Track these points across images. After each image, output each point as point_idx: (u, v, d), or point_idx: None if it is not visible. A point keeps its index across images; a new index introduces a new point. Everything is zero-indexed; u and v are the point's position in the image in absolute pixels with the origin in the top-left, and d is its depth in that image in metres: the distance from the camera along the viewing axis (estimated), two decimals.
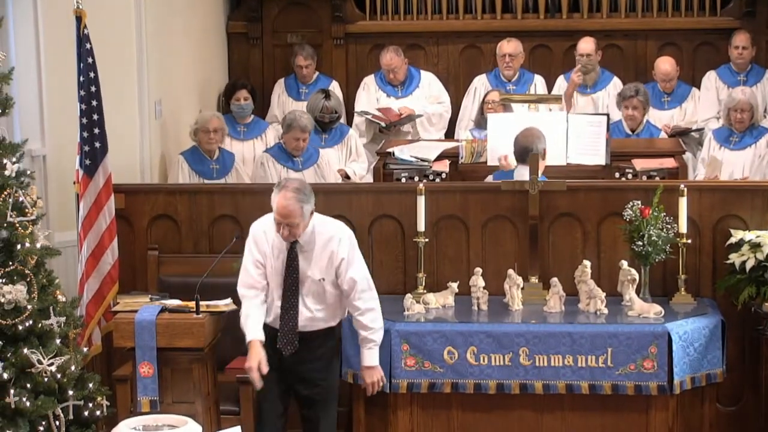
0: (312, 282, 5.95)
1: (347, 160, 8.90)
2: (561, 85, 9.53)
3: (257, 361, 5.87)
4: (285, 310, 5.95)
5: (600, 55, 9.54)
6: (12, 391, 5.56)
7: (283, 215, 5.84)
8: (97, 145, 6.89)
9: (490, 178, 7.50)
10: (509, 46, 9.46)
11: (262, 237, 6.03)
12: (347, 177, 8.73)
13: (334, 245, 5.95)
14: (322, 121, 8.84)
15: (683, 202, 6.76)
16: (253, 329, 5.94)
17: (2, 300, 5.59)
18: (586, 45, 9.47)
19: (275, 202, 5.89)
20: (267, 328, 6.01)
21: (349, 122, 9.60)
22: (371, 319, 6.03)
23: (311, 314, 5.99)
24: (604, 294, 6.67)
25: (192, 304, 6.13)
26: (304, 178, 7.86)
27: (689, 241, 6.81)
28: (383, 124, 9.31)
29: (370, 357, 6.09)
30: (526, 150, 7.08)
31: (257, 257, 6.01)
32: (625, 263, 6.70)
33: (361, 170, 8.84)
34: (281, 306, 5.97)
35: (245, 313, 6.01)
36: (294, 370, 6.03)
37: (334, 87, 9.74)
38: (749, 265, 6.68)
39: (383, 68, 9.59)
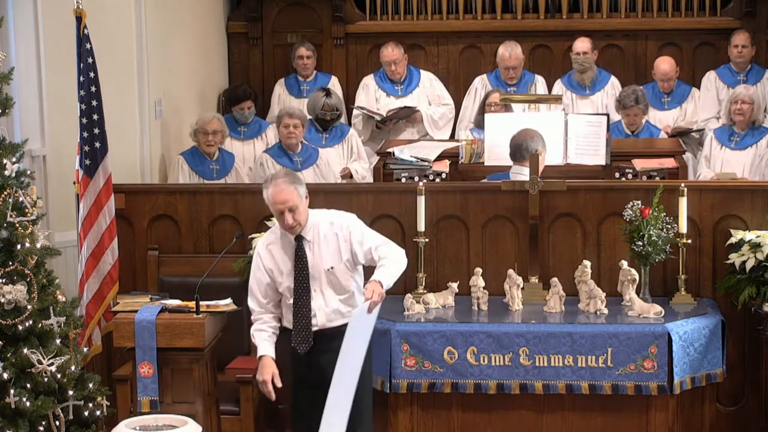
0: (325, 273, 5.85)
1: (348, 159, 8.90)
2: (559, 89, 9.56)
3: (270, 374, 5.80)
4: (297, 308, 5.86)
5: (596, 54, 9.55)
6: (12, 391, 5.56)
7: (281, 201, 5.76)
8: (97, 145, 6.89)
9: (485, 182, 7.49)
10: (512, 60, 9.40)
11: (267, 254, 5.94)
12: (350, 176, 8.73)
13: (337, 229, 5.86)
14: (323, 119, 8.85)
15: (683, 202, 6.76)
16: (263, 345, 5.90)
17: (2, 300, 5.59)
18: (583, 44, 9.49)
19: (269, 194, 5.80)
20: (288, 333, 5.93)
21: (349, 122, 9.61)
22: (388, 251, 5.80)
23: (333, 306, 5.88)
24: (604, 294, 6.67)
25: (192, 304, 6.12)
26: (303, 177, 7.86)
27: (689, 241, 6.81)
28: (378, 117, 9.32)
29: (380, 273, 5.72)
30: (520, 148, 7.09)
31: (261, 278, 5.93)
32: (625, 263, 6.70)
33: (362, 170, 8.84)
34: (293, 304, 5.87)
35: (256, 327, 5.96)
36: (325, 375, 5.80)
37: (334, 83, 9.76)
38: (749, 265, 6.68)
39: (384, 62, 9.60)
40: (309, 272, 5.84)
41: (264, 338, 5.94)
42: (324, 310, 5.87)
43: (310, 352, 5.86)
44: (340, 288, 5.89)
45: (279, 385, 5.82)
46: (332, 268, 5.85)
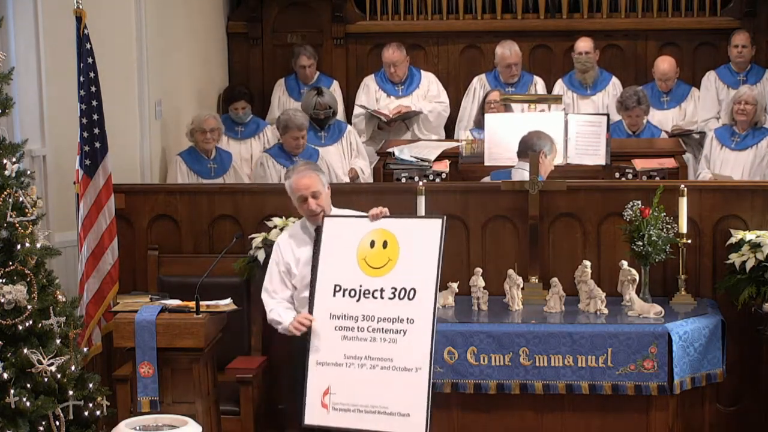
0: None
1: (348, 156, 8.88)
2: (560, 89, 9.56)
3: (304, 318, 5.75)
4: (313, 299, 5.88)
5: (597, 54, 9.55)
6: (12, 391, 5.55)
7: (305, 186, 5.86)
8: (97, 145, 6.89)
9: (487, 179, 7.50)
10: (513, 57, 9.42)
11: (286, 245, 5.95)
12: (357, 176, 8.73)
13: None
14: (317, 118, 8.83)
15: (683, 202, 6.75)
16: (286, 315, 5.84)
17: (2, 300, 5.58)
18: (585, 43, 9.50)
19: (293, 183, 5.88)
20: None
21: (349, 122, 9.60)
22: None
23: None
24: (604, 294, 6.67)
25: (192, 304, 6.12)
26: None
27: (689, 241, 6.81)
28: (384, 119, 9.32)
29: None
30: (527, 145, 7.12)
31: (282, 268, 5.94)
32: (625, 263, 6.70)
33: (365, 168, 8.85)
34: (309, 296, 5.86)
35: (270, 308, 5.93)
36: None
37: (335, 87, 9.75)
38: (749, 265, 6.68)
39: (385, 63, 9.60)
40: None
41: (283, 309, 5.88)
42: None
43: None
44: None
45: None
46: None
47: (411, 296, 5.52)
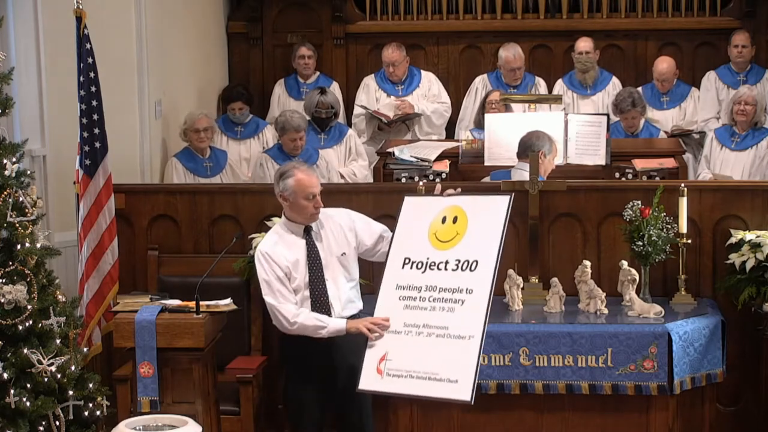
0: (337, 260, 5.94)
1: (347, 159, 8.89)
2: (561, 88, 9.56)
3: (374, 320, 5.76)
4: (315, 297, 5.90)
5: (598, 54, 9.55)
6: (12, 391, 5.55)
7: (315, 184, 5.93)
8: (97, 145, 6.89)
9: (487, 179, 7.50)
10: (517, 60, 9.41)
11: (278, 255, 5.88)
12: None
13: (340, 220, 6.04)
14: (319, 118, 8.82)
15: (683, 202, 6.75)
16: (330, 319, 5.83)
17: (2, 300, 5.59)
18: (585, 44, 9.50)
19: (302, 180, 5.88)
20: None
21: (349, 122, 9.60)
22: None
23: (346, 294, 5.95)
24: (604, 294, 6.66)
25: (192, 304, 6.12)
26: None
27: (689, 241, 6.81)
28: (385, 120, 9.31)
29: None
30: (526, 146, 7.11)
31: (280, 274, 5.85)
32: (625, 263, 6.69)
33: (362, 170, 8.83)
34: (310, 295, 5.89)
35: (294, 312, 5.81)
36: (347, 358, 5.84)
37: (334, 88, 9.74)
38: (749, 265, 6.68)
39: (384, 62, 9.60)
40: (322, 261, 5.90)
41: (318, 315, 5.84)
42: (339, 299, 5.92)
43: (330, 339, 5.86)
44: (350, 275, 5.99)
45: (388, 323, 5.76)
46: (345, 253, 5.96)
47: (473, 267, 5.63)
